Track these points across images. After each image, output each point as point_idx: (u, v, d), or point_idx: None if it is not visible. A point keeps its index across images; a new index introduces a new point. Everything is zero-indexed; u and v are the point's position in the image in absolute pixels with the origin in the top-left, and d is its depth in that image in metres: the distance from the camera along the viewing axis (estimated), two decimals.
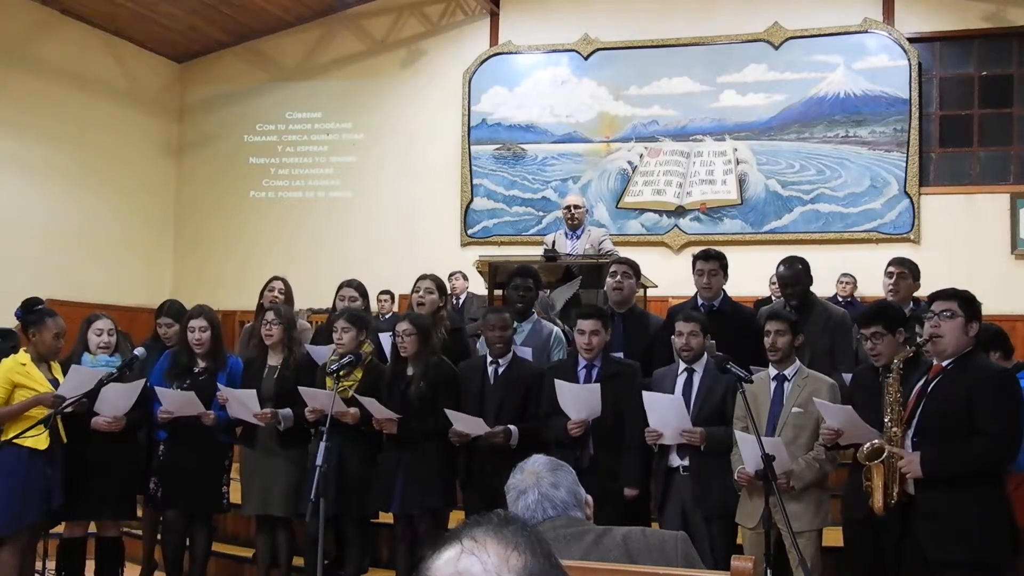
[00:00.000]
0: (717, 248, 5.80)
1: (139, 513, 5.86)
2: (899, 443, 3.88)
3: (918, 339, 4.57)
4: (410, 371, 5.24)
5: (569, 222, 7.24)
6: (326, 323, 6.30)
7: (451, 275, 10.04)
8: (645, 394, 4.75)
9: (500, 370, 5.23)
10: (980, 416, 3.69)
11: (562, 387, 4.85)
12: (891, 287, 5.65)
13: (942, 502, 3.75)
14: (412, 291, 5.88)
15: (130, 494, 5.47)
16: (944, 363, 3.87)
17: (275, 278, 6.38)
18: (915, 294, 5.78)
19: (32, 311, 5.29)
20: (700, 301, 5.55)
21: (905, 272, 5.66)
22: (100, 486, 5.22)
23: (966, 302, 3.85)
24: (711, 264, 5.50)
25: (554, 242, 7.21)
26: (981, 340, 3.97)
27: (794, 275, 5.50)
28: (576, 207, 7.30)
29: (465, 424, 5.01)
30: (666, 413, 4.71)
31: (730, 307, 5.57)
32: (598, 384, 4.87)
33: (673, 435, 4.73)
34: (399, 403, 5.16)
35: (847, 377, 4.85)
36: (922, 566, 3.84)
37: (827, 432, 4.30)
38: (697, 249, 5.98)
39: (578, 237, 7.19)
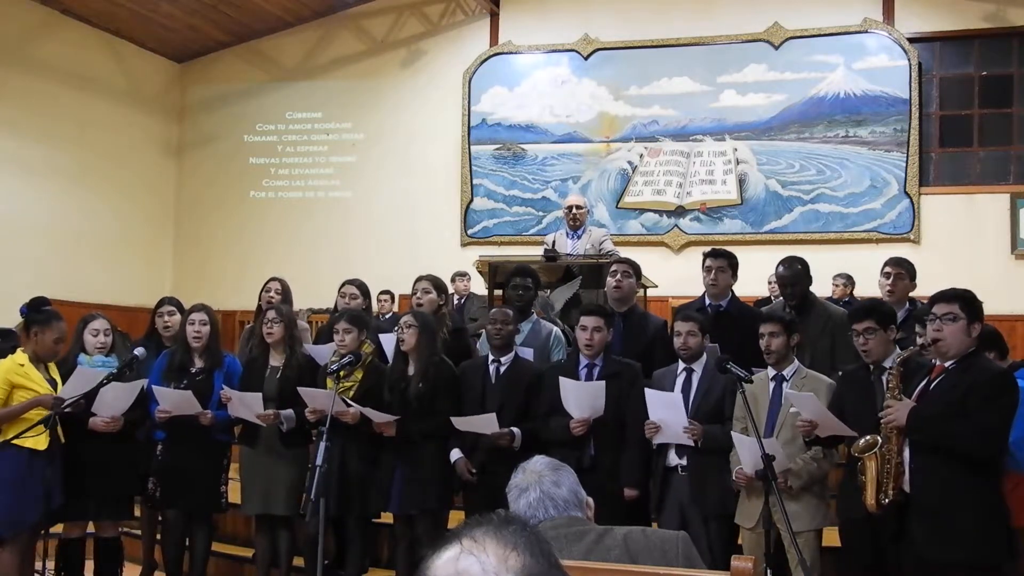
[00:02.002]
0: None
1: (137, 513, 5.87)
2: (896, 439, 3.88)
3: (917, 339, 4.57)
4: (411, 371, 5.25)
5: (570, 223, 7.24)
6: (328, 323, 6.30)
7: (454, 276, 10.00)
8: (648, 391, 4.75)
9: (502, 369, 5.23)
10: (974, 411, 3.70)
11: (566, 384, 4.85)
12: (888, 287, 5.63)
13: (938, 502, 3.75)
14: (411, 293, 5.89)
15: (128, 495, 5.47)
16: (947, 364, 3.87)
17: (272, 279, 6.40)
18: (911, 294, 5.77)
19: (40, 311, 5.29)
20: (707, 301, 5.55)
21: (902, 272, 5.64)
22: (98, 487, 5.22)
23: (968, 303, 3.84)
24: (719, 261, 5.50)
25: (554, 242, 7.20)
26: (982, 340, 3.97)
27: (794, 275, 5.50)
28: (578, 208, 7.29)
29: (474, 424, 5.01)
30: (667, 411, 4.71)
31: (737, 308, 5.57)
32: (603, 382, 4.86)
33: (672, 433, 4.73)
34: (399, 403, 5.16)
35: None
36: (920, 566, 3.84)
37: (802, 424, 4.30)
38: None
39: (579, 237, 7.18)
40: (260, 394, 5.33)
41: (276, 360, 5.56)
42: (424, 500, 5.11)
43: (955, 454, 3.73)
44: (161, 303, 6.03)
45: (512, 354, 5.27)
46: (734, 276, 5.55)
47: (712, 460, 4.69)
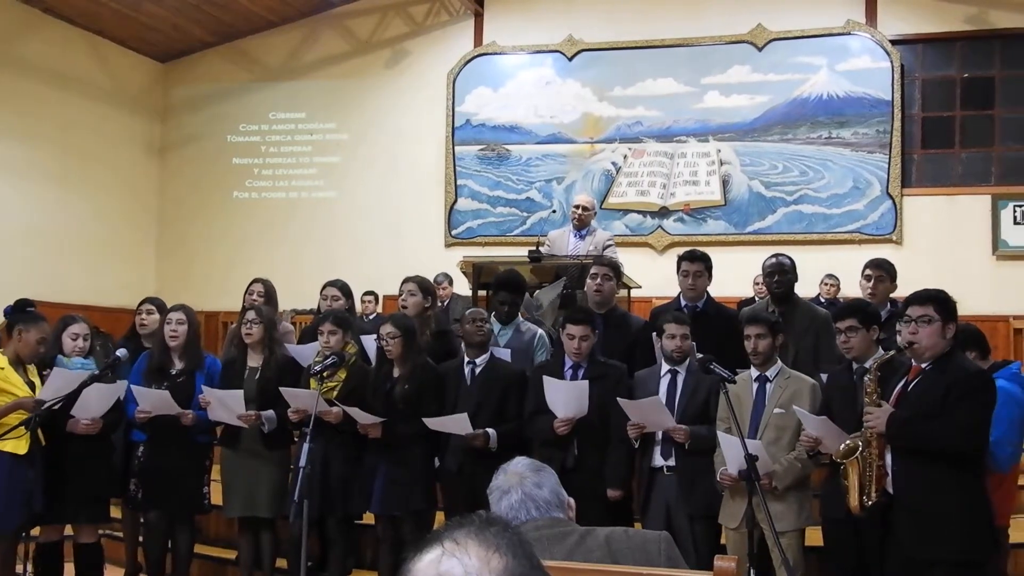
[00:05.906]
0: (701, 249, 5.82)
1: (118, 515, 5.82)
2: (877, 443, 3.91)
3: (897, 338, 4.60)
4: (396, 372, 5.23)
5: (575, 222, 7.27)
6: (312, 324, 6.28)
7: (435, 279, 9.96)
8: (622, 401, 4.73)
9: (477, 371, 5.23)
10: (953, 409, 3.73)
11: (550, 384, 4.85)
12: (869, 290, 5.67)
13: (922, 501, 3.77)
14: (398, 294, 5.87)
15: (105, 497, 5.42)
16: (923, 364, 3.90)
17: (256, 280, 6.37)
18: (893, 295, 5.81)
19: (24, 311, 5.26)
20: (684, 302, 5.57)
21: (883, 275, 5.68)
22: (76, 489, 5.17)
23: (941, 304, 3.87)
24: (696, 265, 5.52)
25: (540, 242, 7.21)
26: (959, 340, 4.00)
27: (779, 264, 5.54)
28: (585, 208, 7.31)
29: (446, 425, 5.00)
30: (649, 416, 4.72)
31: (714, 309, 5.59)
32: (586, 381, 4.86)
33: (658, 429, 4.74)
34: (384, 404, 5.14)
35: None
36: (905, 564, 3.86)
37: (806, 440, 4.32)
38: (681, 250, 5.99)
39: (582, 237, 7.21)
40: (241, 392, 5.30)
41: (254, 361, 5.53)
42: (408, 501, 5.11)
43: (938, 454, 3.75)
44: (141, 303, 5.99)
45: (487, 355, 5.26)
46: (710, 278, 5.58)
47: (699, 461, 4.71)
